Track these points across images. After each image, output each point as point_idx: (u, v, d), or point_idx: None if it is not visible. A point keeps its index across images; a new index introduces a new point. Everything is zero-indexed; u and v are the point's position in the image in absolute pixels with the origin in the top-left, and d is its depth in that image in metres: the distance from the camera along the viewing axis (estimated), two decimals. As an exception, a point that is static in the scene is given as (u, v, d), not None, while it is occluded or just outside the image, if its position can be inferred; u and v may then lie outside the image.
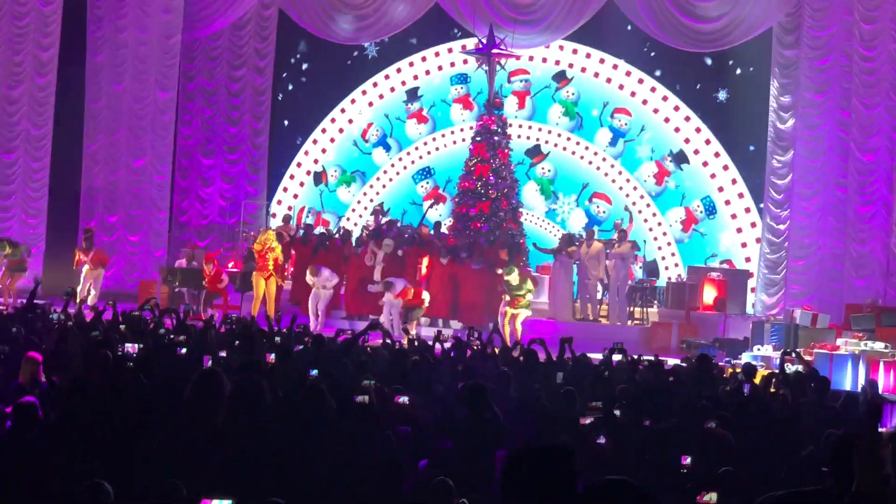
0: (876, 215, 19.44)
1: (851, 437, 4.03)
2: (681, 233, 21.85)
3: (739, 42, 20.65)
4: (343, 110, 23.92)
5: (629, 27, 21.39)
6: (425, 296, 17.70)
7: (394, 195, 23.51)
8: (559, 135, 22.47)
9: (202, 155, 23.72)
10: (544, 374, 10.23)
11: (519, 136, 22.13)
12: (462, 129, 23.03)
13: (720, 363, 14.06)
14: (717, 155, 21.62)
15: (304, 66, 24.20)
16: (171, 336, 11.24)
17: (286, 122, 24.27)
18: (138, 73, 22.06)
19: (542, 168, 22.47)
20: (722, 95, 21.51)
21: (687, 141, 21.77)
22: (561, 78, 22.59)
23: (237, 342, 10.69)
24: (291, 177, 24.25)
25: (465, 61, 22.76)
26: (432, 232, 19.73)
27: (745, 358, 15.09)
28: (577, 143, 22.31)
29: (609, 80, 22.29)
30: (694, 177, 21.80)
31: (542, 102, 22.70)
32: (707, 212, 21.68)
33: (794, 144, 20.31)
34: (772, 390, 10.22)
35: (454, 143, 23.07)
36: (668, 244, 21.88)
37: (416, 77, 23.53)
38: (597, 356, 11.94)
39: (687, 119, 21.77)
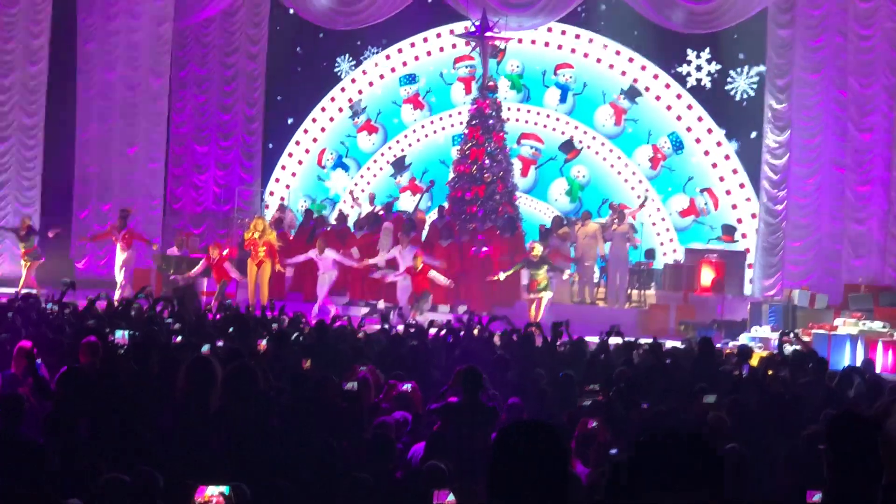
0: (874, 194, 19.36)
1: (853, 418, 3.98)
2: (650, 170, 21.79)
3: (735, 23, 20.54)
4: (298, 143, 23.81)
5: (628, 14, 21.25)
6: (432, 273, 17.06)
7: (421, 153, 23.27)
8: (584, 131, 22.09)
9: (195, 142, 23.59)
10: (542, 359, 10.18)
11: (554, 129, 22.15)
12: (423, 126, 23.00)
13: (718, 345, 14.00)
14: (665, 85, 21.56)
15: (298, 49, 24.00)
16: (167, 323, 11.17)
17: (279, 97, 24.07)
18: (130, 61, 21.94)
19: (578, 171, 22.17)
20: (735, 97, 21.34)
21: (635, 81, 21.70)
22: (496, 51, 22.24)
23: (231, 329, 10.62)
24: (283, 167, 24.12)
25: (405, 63, 22.85)
26: (436, 215, 19.64)
27: (744, 339, 15.04)
28: (599, 142, 22.00)
29: (547, 44, 22.18)
30: (654, 113, 21.69)
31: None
32: (674, 147, 21.63)
33: (790, 125, 20.22)
34: (770, 371, 10.17)
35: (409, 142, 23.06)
36: (640, 182, 21.72)
37: (360, 91, 23.33)
38: (594, 339, 11.88)
39: (630, 60, 21.68)
